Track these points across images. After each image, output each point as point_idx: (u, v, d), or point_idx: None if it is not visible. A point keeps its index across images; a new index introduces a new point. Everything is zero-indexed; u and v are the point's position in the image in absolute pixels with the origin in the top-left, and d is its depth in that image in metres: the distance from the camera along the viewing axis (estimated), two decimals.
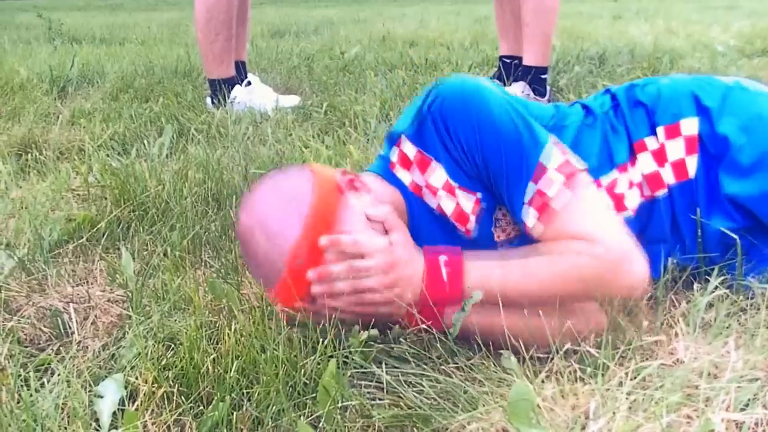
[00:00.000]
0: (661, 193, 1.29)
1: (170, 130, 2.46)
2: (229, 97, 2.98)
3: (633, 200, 1.29)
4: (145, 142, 2.40)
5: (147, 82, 3.44)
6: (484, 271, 1.13)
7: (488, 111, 1.18)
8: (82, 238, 1.61)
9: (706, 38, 4.73)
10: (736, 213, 1.25)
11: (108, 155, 2.26)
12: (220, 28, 2.95)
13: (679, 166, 1.29)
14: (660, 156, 1.30)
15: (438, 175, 1.24)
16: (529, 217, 1.16)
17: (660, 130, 1.30)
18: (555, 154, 1.16)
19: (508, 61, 3.16)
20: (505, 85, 3.07)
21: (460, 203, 1.24)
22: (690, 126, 1.29)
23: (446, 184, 1.24)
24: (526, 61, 2.93)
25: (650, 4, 8.91)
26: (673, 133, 1.30)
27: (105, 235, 1.63)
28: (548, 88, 2.95)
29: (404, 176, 1.28)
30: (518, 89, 2.89)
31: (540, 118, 1.31)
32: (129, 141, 2.46)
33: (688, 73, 3.27)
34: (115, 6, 12.90)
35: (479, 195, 1.23)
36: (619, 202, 1.29)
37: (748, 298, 1.20)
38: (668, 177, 1.29)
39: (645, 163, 1.30)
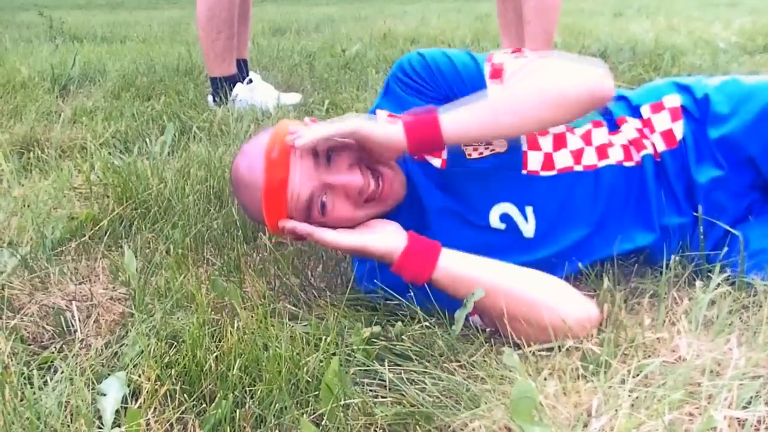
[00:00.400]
0: (645, 153, 1.35)
1: (172, 128, 2.46)
2: (230, 95, 2.98)
3: (616, 154, 1.35)
4: (147, 140, 2.41)
5: (148, 81, 3.44)
6: (455, 105, 1.21)
7: (429, 51, 1.37)
8: (85, 236, 1.61)
9: (707, 35, 4.72)
10: (723, 159, 1.31)
11: (110, 153, 2.26)
12: (222, 26, 2.95)
13: (668, 134, 1.35)
14: (644, 130, 1.37)
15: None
16: (493, 90, 1.27)
17: (645, 108, 1.39)
18: (497, 54, 1.33)
19: None
20: None
21: None
22: (672, 100, 1.38)
23: None
24: None
25: (651, 2, 8.91)
26: (657, 108, 1.38)
27: (107, 233, 1.63)
28: None
29: None
30: None
31: None
32: (131, 139, 2.46)
33: (689, 70, 3.26)
34: (116, 4, 12.90)
35: (446, 156, 1.33)
36: (601, 151, 1.35)
37: (750, 296, 1.20)
38: (659, 145, 1.35)
39: (628, 132, 1.37)
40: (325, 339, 1.10)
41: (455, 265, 1.20)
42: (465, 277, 1.19)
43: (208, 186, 1.88)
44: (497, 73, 1.30)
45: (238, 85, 3.00)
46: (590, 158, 1.33)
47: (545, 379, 1.03)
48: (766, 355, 1.02)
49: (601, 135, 1.36)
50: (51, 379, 1.08)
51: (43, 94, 3.13)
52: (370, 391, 1.07)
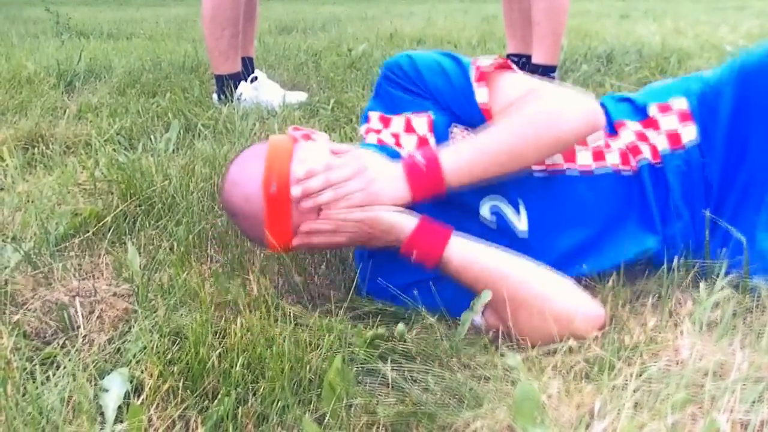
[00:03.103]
0: (642, 160, 1.35)
1: (177, 125, 2.46)
2: (235, 93, 2.98)
3: (612, 158, 1.35)
4: (152, 137, 2.41)
5: (154, 77, 3.45)
6: (456, 149, 1.23)
7: (417, 53, 1.38)
8: (89, 232, 1.61)
9: (714, 38, 4.71)
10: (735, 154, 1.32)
11: (115, 150, 2.26)
12: (227, 23, 2.95)
13: (673, 136, 1.35)
14: (645, 131, 1.37)
15: (396, 122, 1.38)
16: (480, 94, 1.31)
17: (652, 107, 1.39)
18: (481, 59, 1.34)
19: (516, 59, 3.16)
20: None
21: (416, 131, 1.36)
22: (680, 102, 1.38)
23: (405, 125, 1.37)
24: (535, 60, 2.93)
25: (658, 4, 8.90)
26: (664, 109, 1.38)
27: (111, 230, 1.63)
28: None
29: (372, 139, 1.40)
30: None
31: None
32: (136, 136, 2.46)
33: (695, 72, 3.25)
34: (122, 1, 12.91)
35: (430, 112, 1.35)
36: (597, 154, 1.35)
37: (754, 298, 1.20)
38: (661, 144, 1.36)
39: (626, 137, 1.37)
40: (328, 337, 1.09)
41: (466, 248, 1.20)
42: (475, 261, 1.19)
43: (213, 183, 1.88)
44: (483, 76, 1.31)
45: (243, 83, 3.00)
46: (585, 159, 1.34)
47: (548, 379, 1.03)
48: None
49: (597, 138, 1.36)
50: (53, 375, 1.09)
51: (48, 89, 3.13)
52: (373, 390, 1.06)
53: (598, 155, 1.35)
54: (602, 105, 1.43)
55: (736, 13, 7.47)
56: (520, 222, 1.30)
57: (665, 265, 1.26)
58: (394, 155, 1.32)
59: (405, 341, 1.16)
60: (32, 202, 1.80)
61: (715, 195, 1.33)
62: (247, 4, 3.06)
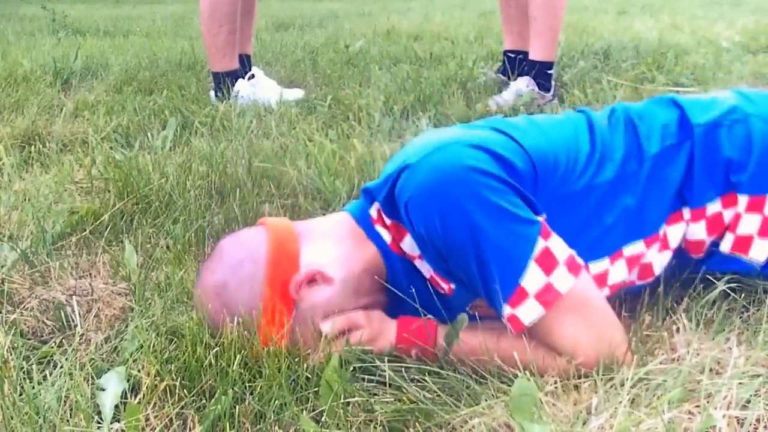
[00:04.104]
0: (696, 256, 1.20)
1: (174, 122, 2.46)
2: (232, 91, 2.98)
3: (660, 264, 1.18)
4: (149, 134, 2.41)
5: (151, 75, 3.44)
6: (461, 346, 1.08)
7: (454, 216, 1.02)
8: (85, 230, 1.61)
9: (711, 34, 4.71)
10: None
11: (111, 148, 2.26)
12: (224, 20, 2.95)
13: (743, 242, 1.16)
14: (719, 222, 1.17)
15: (413, 246, 1.15)
16: (508, 327, 1.06)
17: (743, 198, 1.15)
18: (536, 274, 1.02)
19: (512, 55, 3.16)
20: (509, 79, 3.06)
21: (436, 281, 1.15)
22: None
23: (421, 256, 1.15)
24: (532, 56, 2.92)
25: (655, 0, 8.88)
26: (756, 206, 1.15)
27: (108, 228, 1.63)
28: (553, 83, 2.94)
29: (384, 234, 1.18)
30: (523, 84, 2.88)
31: (562, 170, 1.13)
32: (132, 133, 2.46)
33: (692, 69, 3.25)
34: None
35: (453, 286, 1.14)
36: (644, 271, 1.18)
37: (750, 295, 1.20)
38: (725, 246, 1.17)
39: (695, 230, 1.17)
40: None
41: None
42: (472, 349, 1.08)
43: (210, 181, 1.88)
44: (517, 325, 1.04)
45: (240, 81, 2.99)
46: (631, 279, 1.19)
47: (545, 376, 1.03)
48: (766, 354, 1.03)
49: (652, 252, 1.17)
50: (50, 374, 1.09)
51: (45, 87, 3.13)
52: (370, 388, 1.06)
53: (646, 271, 1.18)
54: (690, 160, 1.16)
55: (732, 9, 7.47)
56: None
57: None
58: (409, 269, 1.18)
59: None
60: (29, 200, 1.80)
61: None
62: (244, 0, 3.06)
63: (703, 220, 1.16)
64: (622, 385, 0.98)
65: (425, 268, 1.16)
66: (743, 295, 1.19)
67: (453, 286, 1.13)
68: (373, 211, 1.19)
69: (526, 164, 1.10)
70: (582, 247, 1.09)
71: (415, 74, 3.32)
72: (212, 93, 3.05)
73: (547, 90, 2.90)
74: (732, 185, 1.15)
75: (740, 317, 1.16)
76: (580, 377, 1.02)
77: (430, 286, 1.16)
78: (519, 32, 3.13)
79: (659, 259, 1.17)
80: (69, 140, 2.40)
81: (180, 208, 1.69)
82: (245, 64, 3.12)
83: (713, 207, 1.16)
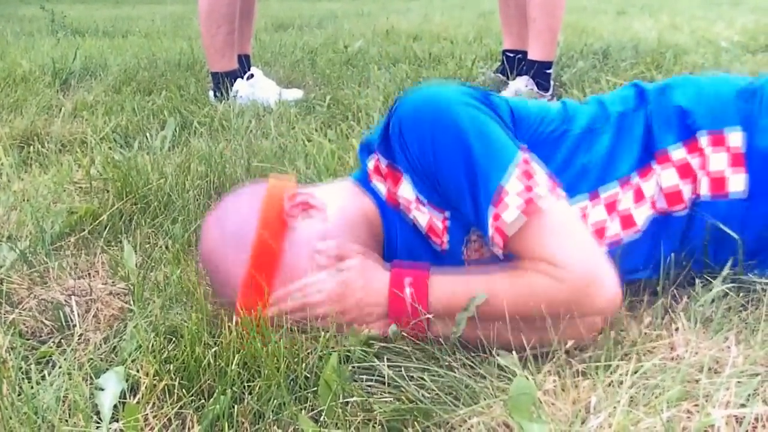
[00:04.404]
0: (680, 209, 1.22)
1: (173, 123, 2.46)
2: (231, 91, 2.98)
3: (641, 216, 1.22)
4: (148, 134, 2.40)
5: (150, 75, 3.44)
6: (449, 289, 1.11)
7: (444, 128, 1.13)
8: (84, 230, 1.61)
9: (710, 34, 4.71)
10: None
11: (110, 148, 2.26)
12: (222, 21, 2.95)
13: (718, 181, 1.21)
14: (688, 168, 1.21)
15: (408, 189, 1.21)
16: (493, 243, 1.11)
17: (703, 137, 1.22)
18: (517, 179, 1.09)
19: (511, 55, 3.16)
20: (508, 79, 3.06)
21: (432, 217, 1.21)
22: (736, 138, 1.21)
23: (417, 199, 1.21)
24: (531, 56, 2.92)
25: (654, 0, 8.89)
26: (717, 142, 1.21)
27: (107, 228, 1.63)
28: (552, 83, 2.94)
29: (380, 187, 1.25)
30: (522, 83, 2.89)
31: (537, 120, 1.25)
32: (131, 134, 2.46)
33: (691, 69, 3.26)
34: None
35: (447, 214, 1.20)
36: (625, 221, 1.22)
37: (749, 294, 1.20)
38: (704, 188, 1.21)
39: (666, 177, 1.22)
40: (324, 335, 1.09)
41: (447, 291, 1.12)
42: (462, 298, 1.10)
43: (209, 181, 1.88)
44: (501, 235, 1.09)
45: (239, 81, 3.00)
46: (613, 229, 1.22)
47: (544, 375, 1.03)
48: (765, 353, 1.03)
49: (628, 198, 1.22)
50: (49, 374, 1.08)
51: (43, 88, 3.13)
52: (369, 387, 1.06)
53: (627, 221, 1.21)
54: (641, 105, 1.27)
55: (731, 8, 7.47)
56: None
57: (662, 263, 1.26)
58: (402, 222, 1.24)
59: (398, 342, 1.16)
60: (28, 200, 1.80)
61: (747, 256, 1.22)
62: (243, 1, 3.06)
63: (672, 167, 1.22)
64: (621, 383, 0.98)
65: (422, 219, 1.21)
66: (741, 294, 1.19)
67: (447, 239, 1.21)
68: (370, 163, 1.26)
69: (506, 106, 1.24)
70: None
71: (415, 74, 3.33)
72: (211, 93, 3.05)
73: (546, 90, 2.91)
74: (690, 129, 1.23)
75: (739, 316, 1.16)
76: (578, 374, 1.02)
77: (427, 239, 1.23)
78: (518, 32, 3.13)
79: (639, 212, 1.22)
80: (68, 140, 2.40)
81: (179, 208, 1.69)
82: (244, 64, 3.12)
83: (677, 152, 1.22)
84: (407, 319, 1.12)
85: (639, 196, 1.22)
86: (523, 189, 1.08)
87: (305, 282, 1.15)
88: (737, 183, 1.20)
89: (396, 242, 1.24)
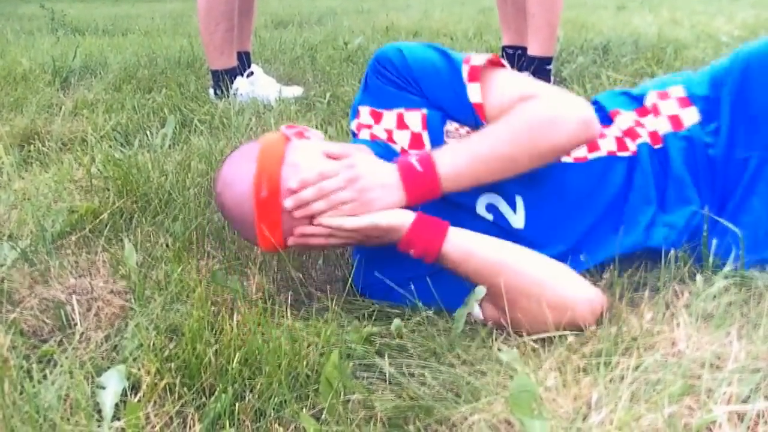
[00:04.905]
0: (641, 142, 1.36)
1: (173, 120, 2.45)
2: (231, 88, 2.98)
3: (608, 145, 1.36)
4: (148, 133, 2.40)
5: (150, 73, 3.44)
6: (452, 153, 1.22)
7: (409, 47, 1.36)
8: (85, 229, 1.61)
9: (710, 29, 4.70)
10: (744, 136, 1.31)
11: (111, 146, 2.25)
12: (220, 18, 2.94)
13: (675, 118, 1.37)
14: (641, 119, 1.39)
15: (388, 118, 1.36)
16: (472, 92, 1.29)
17: (650, 94, 1.42)
18: (476, 58, 1.31)
19: (511, 51, 3.15)
20: None
21: (410, 127, 1.34)
22: (678, 90, 1.40)
23: (397, 121, 1.35)
24: (530, 52, 2.92)
25: None
26: (663, 96, 1.41)
27: (108, 227, 1.63)
28: (552, 78, 2.94)
29: (364, 135, 1.39)
30: None
31: None
32: (132, 132, 2.46)
33: (692, 64, 3.25)
34: None
35: (423, 109, 1.34)
36: (591, 144, 1.35)
37: (751, 289, 1.20)
38: (663, 127, 1.37)
39: (621, 123, 1.39)
40: (325, 332, 1.09)
41: (464, 240, 1.20)
42: (473, 252, 1.18)
43: (209, 179, 1.88)
44: (475, 74, 1.29)
45: (238, 78, 2.99)
46: (580, 151, 1.33)
47: (545, 372, 1.03)
48: (766, 348, 1.02)
49: None
50: (50, 373, 1.08)
51: (44, 86, 3.12)
52: (370, 384, 1.06)
53: (592, 146, 1.34)
54: (595, 101, 1.45)
55: (731, 3, 7.46)
56: (517, 217, 1.30)
57: (663, 258, 1.26)
58: (388, 151, 1.32)
59: (401, 337, 1.16)
60: (28, 199, 1.80)
61: (720, 176, 1.32)
62: None
63: (621, 115, 1.41)
64: (622, 379, 0.98)
65: (404, 138, 1.35)
66: (743, 289, 1.19)
67: (427, 145, 1.33)
68: (354, 125, 1.43)
69: None
70: None
71: None
72: (211, 91, 3.05)
73: None
74: (638, 99, 1.43)
75: (740, 311, 1.16)
76: (579, 370, 1.02)
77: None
78: (517, 28, 3.12)
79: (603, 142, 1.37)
80: (68, 139, 2.39)
81: (179, 206, 1.69)
82: (244, 61, 3.12)
83: (628, 116, 1.40)
84: (421, 182, 1.20)
85: (601, 135, 1.36)
86: (489, 58, 1.32)
87: (318, 170, 1.20)
88: (690, 117, 1.37)
89: None
